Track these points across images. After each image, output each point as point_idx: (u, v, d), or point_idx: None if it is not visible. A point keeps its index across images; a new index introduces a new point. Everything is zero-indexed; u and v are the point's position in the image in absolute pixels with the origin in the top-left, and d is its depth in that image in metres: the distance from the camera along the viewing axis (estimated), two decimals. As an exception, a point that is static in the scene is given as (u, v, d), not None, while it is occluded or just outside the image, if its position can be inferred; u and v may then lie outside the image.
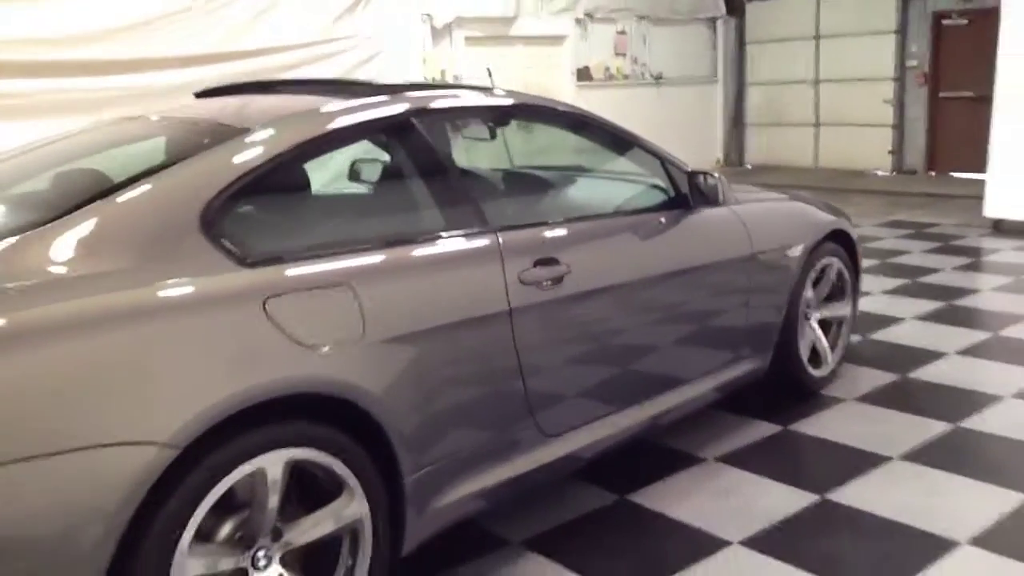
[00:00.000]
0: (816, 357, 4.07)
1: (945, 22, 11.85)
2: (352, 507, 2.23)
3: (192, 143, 2.33)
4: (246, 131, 2.36)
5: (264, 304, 2.09)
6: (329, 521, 2.21)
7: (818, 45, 12.89)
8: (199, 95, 3.31)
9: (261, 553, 2.11)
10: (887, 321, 5.11)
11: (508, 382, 2.62)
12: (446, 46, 11.01)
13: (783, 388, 3.96)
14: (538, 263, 2.69)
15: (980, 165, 11.19)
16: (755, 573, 2.65)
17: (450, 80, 10.92)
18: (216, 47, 9.11)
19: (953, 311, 5.38)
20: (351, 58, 9.97)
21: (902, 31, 12.10)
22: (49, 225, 2.01)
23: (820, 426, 3.72)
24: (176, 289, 2.00)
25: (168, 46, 8.82)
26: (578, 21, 12.18)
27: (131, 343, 1.89)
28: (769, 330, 3.72)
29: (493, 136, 3.45)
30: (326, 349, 2.15)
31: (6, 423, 1.72)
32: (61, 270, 1.94)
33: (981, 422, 3.67)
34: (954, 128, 11.73)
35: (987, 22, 11.42)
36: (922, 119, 11.99)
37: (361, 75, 10.11)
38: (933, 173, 11.79)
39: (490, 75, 11.21)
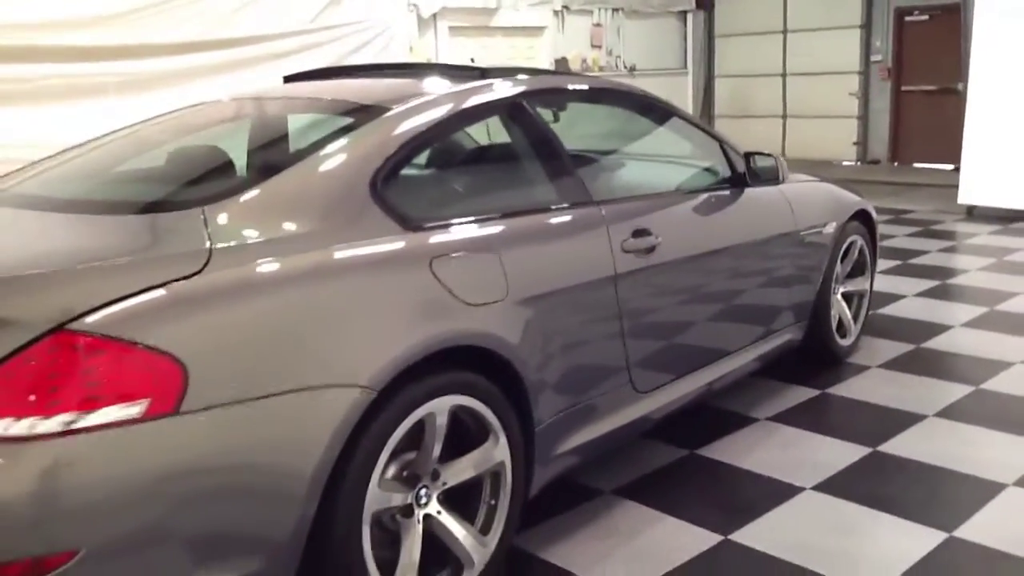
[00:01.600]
0: (841, 328, 4.38)
1: (908, 18, 12.37)
2: (496, 452, 2.45)
3: (343, 120, 2.53)
4: (389, 109, 2.55)
5: (431, 264, 2.30)
6: (478, 464, 2.42)
7: (785, 39, 13.33)
8: (287, 79, 3.48)
9: (423, 491, 2.32)
10: (891, 298, 5.46)
11: (613, 342, 2.86)
12: (431, 36, 11.15)
13: (814, 356, 4.26)
14: (635, 233, 2.94)
15: (942, 155, 11.80)
16: (832, 513, 2.93)
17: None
18: (206, 35, 9.15)
19: (949, 289, 5.76)
20: (341, 47, 10.06)
21: (867, 26, 12.59)
22: (248, 193, 2.19)
23: (854, 389, 4.03)
24: (364, 249, 2.21)
25: (160, 33, 8.83)
26: (556, 13, 12.42)
27: (335, 296, 2.09)
28: (807, 301, 4.02)
29: (556, 119, 3.67)
30: (481, 306, 2.37)
31: (244, 367, 1.91)
32: (265, 232, 2.12)
33: (999, 384, 4.02)
34: (917, 120, 12.26)
35: (948, 18, 11.98)
36: (886, 111, 12.50)
37: (352, 63, 10.22)
38: (896, 163, 12.31)
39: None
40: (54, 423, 1.73)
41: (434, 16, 11.08)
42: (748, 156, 3.63)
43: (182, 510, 1.84)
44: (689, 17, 14.11)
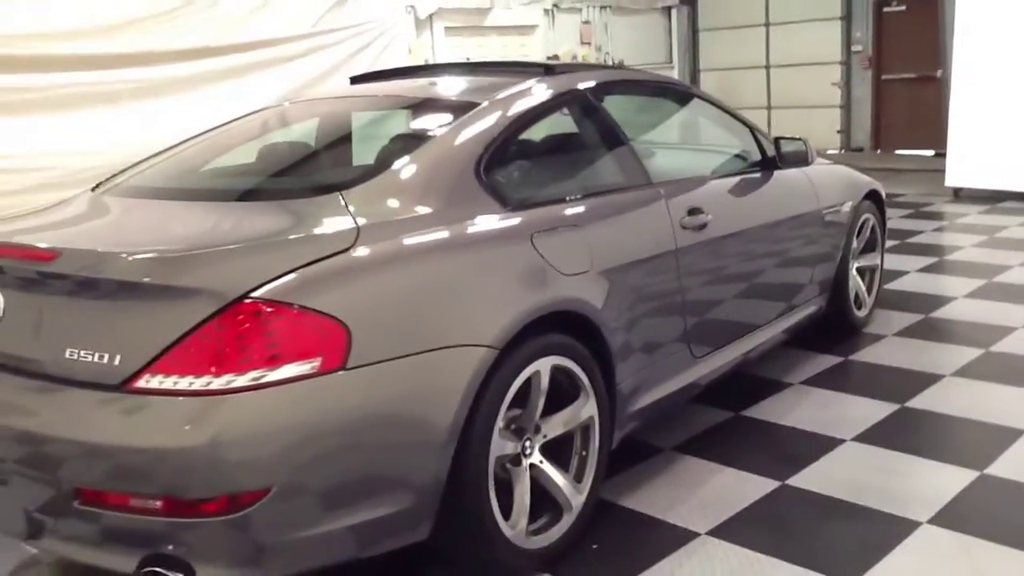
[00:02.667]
0: (857, 300, 4.71)
1: (886, 9, 12.79)
2: (587, 408, 2.74)
3: (440, 114, 2.82)
4: (480, 104, 2.84)
5: (532, 238, 2.60)
6: (571, 419, 2.72)
7: (768, 32, 13.73)
8: (354, 80, 3.76)
9: (528, 443, 2.61)
10: (895, 274, 5.81)
11: (674, 312, 3.17)
12: (427, 37, 11.41)
13: (834, 327, 4.59)
14: (690, 212, 3.25)
15: (923, 142, 12.25)
16: (873, 459, 3.26)
17: (432, 69, 11.34)
18: (216, 40, 9.35)
19: (947, 264, 6.14)
20: (344, 49, 10.29)
21: (847, 18, 13.00)
22: (375, 179, 2.48)
23: (874, 355, 4.37)
24: (481, 226, 2.50)
25: (172, 39, 9.03)
26: (546, 11, 12.72)
27: (463, 266, 2.40)
28: (828, 275, 4.35)
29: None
30: (573, 276, 2.67)
31: (393, 329, 2.19)
32: (395, 212, 2.40)
33: (1006, 346, 4.38)
34: (897, 107, 12.70)
35: (925, 8, 12.41)
36: (867, 100, 12.92)
37: (353, 66, 10.46)
38: (879, 150, 12.73)
39: (469, 63, 11.65)
40: (246, 379, 2.01)
41: (430, 17, 11.34)
42: (777, 140, 3.95)
43: (347, 453, 2.12)
44: (673, 12, 14.47)
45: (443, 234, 2.42)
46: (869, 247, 4.84)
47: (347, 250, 2.21)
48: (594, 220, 2.85)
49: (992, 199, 8.42)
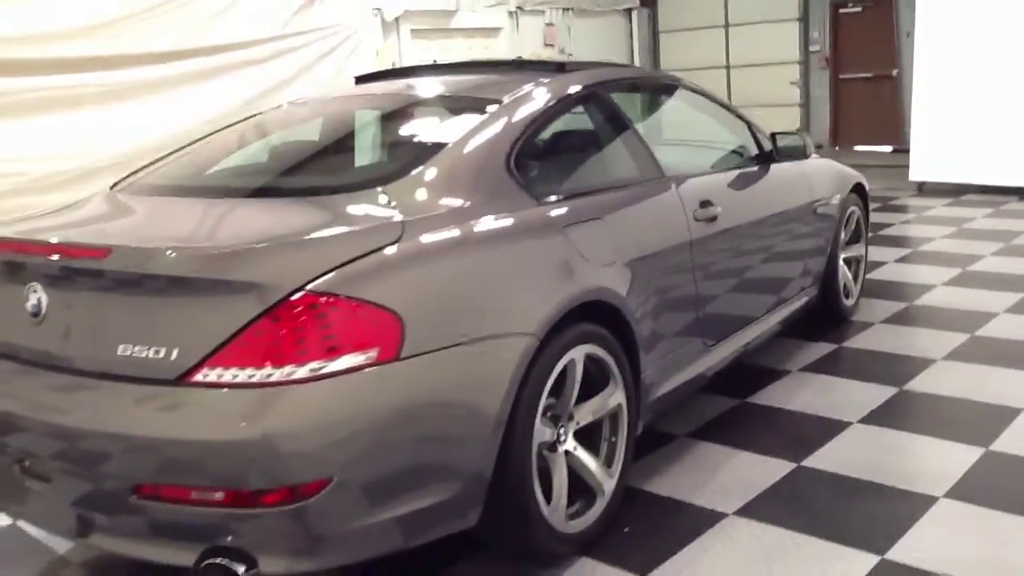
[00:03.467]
0: (845, 289, 4.84)
1: (842, 10, 13.09)
2: (615, 396, 2.80)
3: (464, 111, 2.85)
4: (501, 101, 2.88)
5: (564, 230, 2.65)
6: (600, 406, 2.77)
7: (727, 33, 13.95)
8: (359, 79, 3.78)
9: (562, 430, 2.65)
10: (873, 265, 5.95)
11: (689, 301, 3.24)
12: (394, 39, 11.42)
13: (824, 316, 4.70)
14: (702, 204, 3.33)
15: (880, 138, 12.55)
16: (881, 439, 3.36)
17: (400, 71, 11.35)
18: (182, 43, 9.26)
19: (922, 255, 6.32)
20: (312, 52, 10.25)
21: (804, 19, 13.28)
22: (411, 175, 2.50)
23: (866, 342, 4.50)
24: (518, 218, 2.54)
25: (137, 43, 8.92)
26: (511, 14, 12.79)
27: (504, 257, 2.44)
28: (820, 266, 4.46)
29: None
30: (601, 267, 2.72)
31: (443, 319, 2.23)
32: (434, 206, 2.44)
33: (991, 332, 4.53)
34: (855, 105, 12.99)
35: (880, 10, 12.72)
36: (826, 98, 13.21)
37: (321, 69, 10.44)
38: (837, 147, 13.01)
39: (436, 66, 11.68)
40: (305, 370, 2.03)
41: (397, 20, 11.34)
42: (774, 135, 4.05)
43: (403, 442, 2.15)
44: (634, 14, 14.64)
45: (483, 227, 2.46)
46: (854, 238, 4.97)
47: (395, 243, 2.23)
48: (617, 213, 2.91)
49: (954, 192, 8.67)
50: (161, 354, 2.07)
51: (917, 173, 8.89)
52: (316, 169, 2.87)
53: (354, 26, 10.61)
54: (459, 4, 11.97)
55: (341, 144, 2.99)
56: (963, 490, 2.92)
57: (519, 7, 12.83)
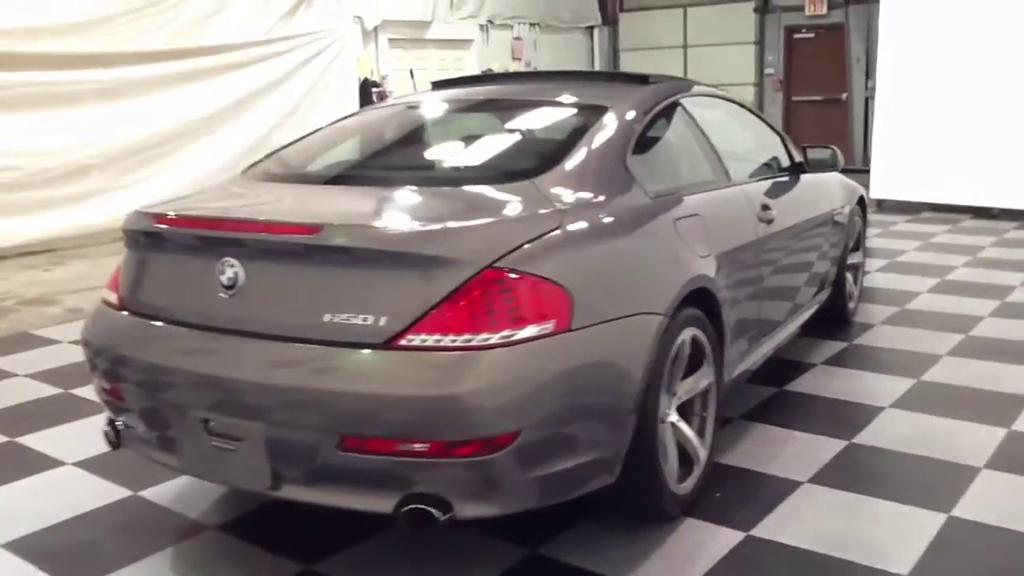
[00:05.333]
0: (848, 293, 5.27)
1: (796, 35, 13.81)
2: (707, 375, 3.12)
3: (579, 115, 3.17)
4: (608, 107, 3.18)
5: (675, 223, 2.97)
6: (696, 384, 3.09)
7: (686, 53, 14.54)
8: (435, 85, 4.05)
9: (669, 403, 2.97)
10: (858, 272, 6.45)
11: (752, 295, 3.59)
12: (372, 48, 11.63)
13: (830, 317, 5.11)
14: (763, 207, 3.69)
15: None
16: (916, 421, 3.76)
17: (377, 80, 11.58)
18: (176, 43, 9.35)
19: (900, 265, 6.84)
20: (296, 57, 10.42)
21: (760, 42, 13.97)
22: (555, 170, 2.80)
23: (874, 340, 4.94)
24: (643, 210, 2.86)
25: (134, 41, 8.99)
26: (482, 27, 13.13)
27: (641, 244, 2.75)
28: (832, 271, 4.88)
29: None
30: (700, 258, 3.05)
31: (600, 297, 2.52)
32: (577, 196, 2.73)
33: (982, 332, 5.02)
34: (806, 126, 13.69)
35: (831, 36, 13.47)
36: (779, 119, 13.85)
37: (305, 74, 10.60)
38: (790, 166, 13.67)
39: (412, 76, 11.97)
40: (498, 336, 2.30)
41: (375, 29, 11.56)
42: (804, 148, 4.45)
43: (574, 403, 2.43)
44: (596, 32, 15.15)
45: (623, 216, 2.77)
46: (856, 246, 5.42)
47: (558, 228, 2.52)
48: (707, 211, 3.24)
49: (912, 210, 9.30)
50: (370, 321, 2.31)
51: (877, 191, 9.48)
52: (464, 162, 3.15)
53: (336, 33, 10.80)
54: (434, 15, 12.25)
55: (475, 140, 3.27)
56: (1000, 462, 3.33)
57: (489, 21, 13.18)
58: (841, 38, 13.24)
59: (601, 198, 2.79)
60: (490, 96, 3.65)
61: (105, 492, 3.29)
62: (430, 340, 2.28)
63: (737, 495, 3.13)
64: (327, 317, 2.35)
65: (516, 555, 2.75)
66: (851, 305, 5.28)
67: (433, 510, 2.28)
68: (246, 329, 2.47)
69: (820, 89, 13.62)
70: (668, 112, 3.46)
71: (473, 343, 2.28)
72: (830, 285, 4.89)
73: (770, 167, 4.38)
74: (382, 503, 2.33)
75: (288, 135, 10.23)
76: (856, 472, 3.30)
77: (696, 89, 3.87)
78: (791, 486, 3.19)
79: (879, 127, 9.56)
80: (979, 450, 3.44)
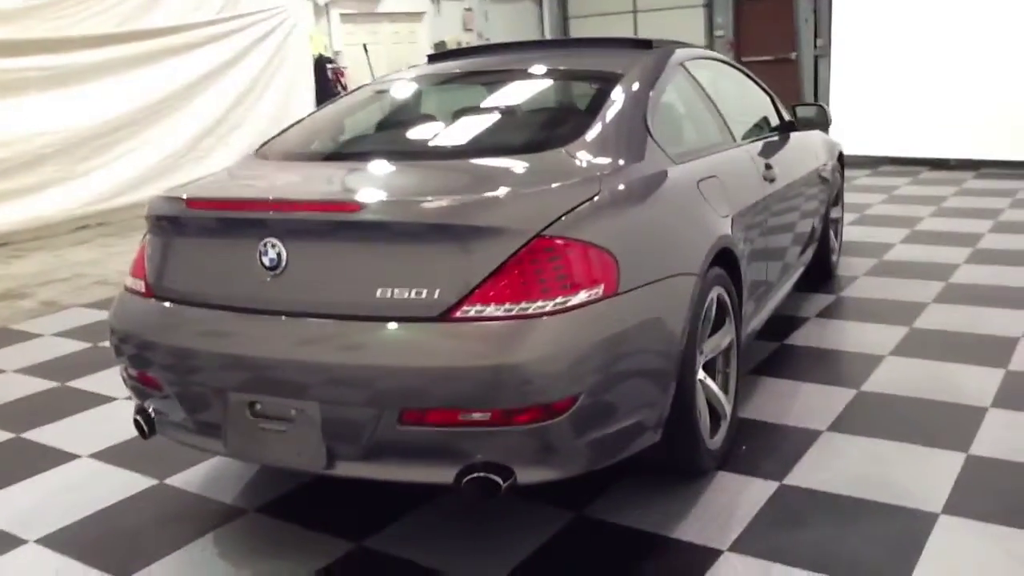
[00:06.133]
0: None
1: (744, -3, 13.93)
2: (729, 332, 3.19)
3: (594, 84, 3.18)
4: (621, 74, 3.20)
5: (698, 185, 3.02)
6: (719, 342, 3.15)
7: (636, 18, 14.58)
8: (431, 58, 4.03)
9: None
10: (832, 227, 6.60)
11: (762, 253, 3.66)
12: (325, 24, 11.45)
13: (815, 270, 5.23)
14: (766, 167, 3.76)
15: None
16: (918, 367, 3.89)
17: (331, 55, 11.41)
18: (124, 26, 9.11)
19: (870, 218, 7.01)
20: (249, 35, 10.23)
21: (709, 5, 14.05)
22: (582, 138, 2.81)
23: (860, 292, 5.08)
24: (671, 174, 2.89)
25: (79, 26, 8.74)
26: (433, -1, 13.02)
27: (674, 207, 2.79)
28: (819, 226, 4.99)
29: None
30: (722, 218, 3.10)
31: (641, 260, 2.54)
32: (607, 163, 2.75)
33: (961, 279, 5.20)
34: (758, 87, 13.84)
35: (778, -1, 13.62)
36: (731, 81, 14.00)
37: (259, 53, 10.40)
38: (743, 127, 13.85)
39: (366, 51, 11.83)
40: (552, 304, 2.32)
41: (326, 5, 11.38)
42: (794, 107, 4.53)
43: (624, 367, 2.46)
44: (545, 1, 15.10)
45: (653, 179, 2.80)
46: (836, 201, 5.54)
47: (598, 194, 2.54)
48: (722, 172, 3.30)
49: (871, 164, 9.51)
50: (423, 294, 2.31)
51: (837, 147, 9.65)
52: (492, 133, 3.13)
53: (288, 10, 10.61)
54: (385, -12, 12.11)
55: (497, 111, 3.26)
56: (1004, 401, 3.47)
57: (440, -8, 13.06)
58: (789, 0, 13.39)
59: (631, 163, 2.82)
60: (503, 67, 3.63)
61: (129, 482, 3.25)
62: (486, 310, 2.29)
63: (762, 447, 3.22)
64: (379, 292, 2.34)
65: (564, 518, 2.79)
66: (834, 258, 5.41)
67: (495, 478, 2.31)
68: (292, 309, 2.45)
69: (770, 49, 13.75)
70: (676, 76, 3.49)
71: (529, 311, 2.30)
72: (816, 239, 5.00)
73: (762, 127, 4.45)
74: (443, 474, 2.35)
75: (245, 116, 10.15)
76: (870, 419, 3.41)
77: (695, 52, 3.90)
78: (812, 435, 3.28)
79: (836, 83, 9.74)
80: (982, 391, 3.58)
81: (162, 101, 9.43)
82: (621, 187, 2.65)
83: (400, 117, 3.48)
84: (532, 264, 2.33)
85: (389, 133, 3.29)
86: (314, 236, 2.44)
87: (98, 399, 4.11)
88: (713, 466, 3.02)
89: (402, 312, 2.33)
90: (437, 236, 2.33)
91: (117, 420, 3.80)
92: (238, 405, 2.52)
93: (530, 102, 3.36)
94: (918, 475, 2.96)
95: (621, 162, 2.79)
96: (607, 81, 3.17)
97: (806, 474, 3.00)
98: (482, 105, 3.38)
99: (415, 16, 12.80)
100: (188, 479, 3.23)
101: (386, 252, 2.38)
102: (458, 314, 2.30)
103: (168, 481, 3.23)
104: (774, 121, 4.49)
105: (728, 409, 3.15)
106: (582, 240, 2.40)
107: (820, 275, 5.27)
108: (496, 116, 3.29)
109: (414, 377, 2.29)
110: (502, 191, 2.45)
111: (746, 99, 4.40)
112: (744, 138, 3.93)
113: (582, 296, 2.36)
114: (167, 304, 2.70)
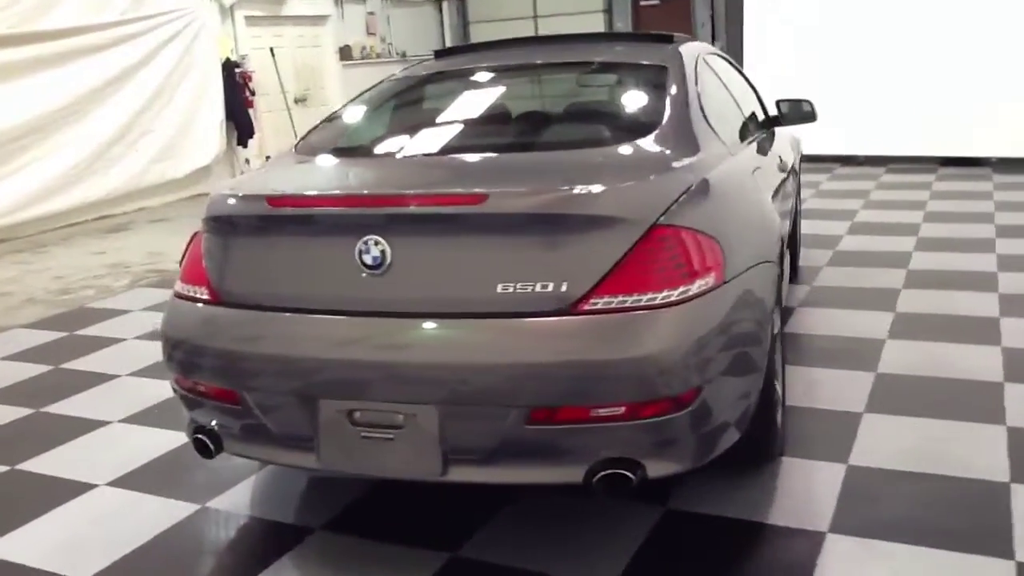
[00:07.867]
0: (793, 239, 5.59)
1: (643, 3, 14.27)
2: (778, 318, 3.22)
3: (648, 75, 3.18)
4: (667, 66, 3.21)
5: (753, 174, 3.06)
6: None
7: (536, 24, 14.71)
8: (438, 53, 3.93)
9: (757, 349, 3.07)
10: (777, 221, 6.83)
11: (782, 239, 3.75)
12: (230, 26, 11.05)
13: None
14: (779, 156, 3.85)
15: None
16: (913, 349, 4.05)
17: (237, 59, 11.02)
18: (22, 27, 8.54)
19: (807, 212, 7.28)
20: (155, 37, 9.78)
21: (609, 9, 14.32)
22: (659, 129, 2.80)
23: (829, 281, 5.28)
24: (738, 162, 2.91)
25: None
26: (336, 2, 12.74)
27: (752, 197, 2.82)
28: (799, 217, 5.16)
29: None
30: (770, 199, 3.17)
31: (738, 248, 2.54)
32: (685, 156, 2.73)
33: (918, 265, 5.47)
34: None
35: (676, 3, 14.02)
36: (632, 84, 14.33)
37: (166, 55, 9.94)
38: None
39: (273, 55, 11.49)
40: (676, 293, 2.29)
41: (231, 7, 10.98)
42: (779, 102, 4.66)
43: (735, 355, 2.45)
44: (445, 5, 15.03)
45: (729, 169, 2.82)
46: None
47: (693, 184, 2.53)
48: (759, 159, 3.36)
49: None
50: (550, 287, 2.24)
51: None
52: (573, 125, 3.07)
53: (194, 12, 10.18)
54: (290, -9, 11.78)
55: (566, 104, 3.22)
56: (1015, 375, 3.67)
57: (344, -5, 12.81)
58: (687, 3, 13.80)
59: (705, 154, 2.82)
60: (549, 60, 3.56)
61: (165, 510, 3.01)
62: (614, 302, 2.24)
63: (811, 432, 3.28)
64: (500, 288, 2.26)
65: (654, 513, 2.77)
66: (800, 249, 5.60)
67: (627, 474, 2.26)
68: (399, 310, 2.33)
69: (668, 53, 14.14)
70: (705, 69, 3.53)
71: (657, 301, 2.26)
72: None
73: (753, 120, 4.55)
74: (571, 473, 2.28)
75: (154, 121, 9.66)
76: (900, 398, 3.53)
77: (706, 46, 3.97)
78: (854, 417, 3.38)
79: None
80: (990, 368, 3.77)
81: (69, 105, 8.88)
82: (711, 176, 2.65)
83: (465, 111, 3.35)
84: (654, 254, 2.30)
85: (463, 127, 3.17)
86: (426, 232, 2.33)
87: (89, 424, 3.81)
88: (779, 451, 3.06)
89: (527, 307, 2.25)
90: (556, 228, 2.27)
91: (123, 445, 3.54)
92: (335, 414, 2.38)
93: (596, 95, 3.34)
94: (972, 448, 3.07)
95: (699, 152, 2.79)
96: (659, 73, 3.17)
97: (866, 454, 3.08)
98: (551, 98, 3.33)
99: (319, 20, 12.51)
100: (235, 501, 3.03)
101: (504, 245, 2.29)
102: (586, 307, 2.24)
103: (211, 505, 3.02)
104: (762, 116, 4.60)
105: (780, 394, 3.20)
106: (694, 228, 2.39)
107: (792, 265, 5.44)
108: (568, 109, 3.25)
109: (547, 373, 2.22)
110: (613, 182, 2.40)
111: (743, 92, 4.49)
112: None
113: (699, 285, 2.34)
114: (240, 311, 2.52)
